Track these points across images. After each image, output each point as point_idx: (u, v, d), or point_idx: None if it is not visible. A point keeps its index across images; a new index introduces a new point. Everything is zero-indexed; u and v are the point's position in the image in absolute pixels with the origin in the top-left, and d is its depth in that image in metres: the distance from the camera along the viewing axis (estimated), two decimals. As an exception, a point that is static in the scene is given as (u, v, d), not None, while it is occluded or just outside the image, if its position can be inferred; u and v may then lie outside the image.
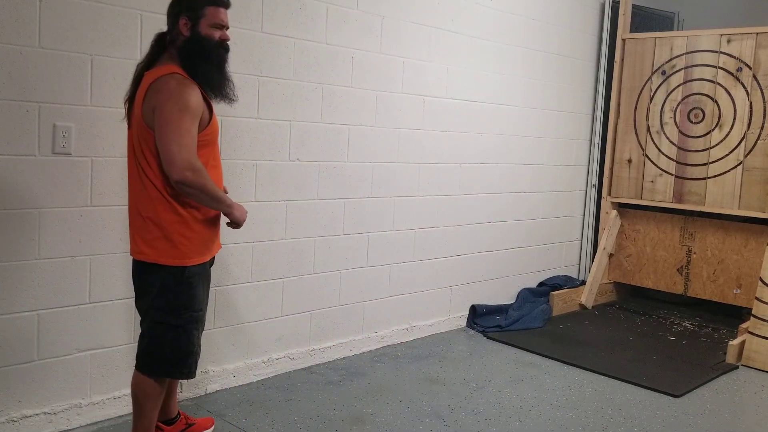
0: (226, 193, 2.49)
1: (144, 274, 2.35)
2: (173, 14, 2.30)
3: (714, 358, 4.09)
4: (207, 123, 2.31)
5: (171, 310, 2.32)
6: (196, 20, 2.27)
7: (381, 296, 3.95)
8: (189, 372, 2.40)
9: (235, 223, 2.41)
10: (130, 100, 2.32)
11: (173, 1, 2.33)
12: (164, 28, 2.87)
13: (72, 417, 2.78)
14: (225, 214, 2.39)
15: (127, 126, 2.39)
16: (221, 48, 2.34)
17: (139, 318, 2.48)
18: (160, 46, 2.32)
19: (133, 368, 2.44)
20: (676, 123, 4.89)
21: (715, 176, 4.70)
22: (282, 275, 3.44)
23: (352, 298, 3.79)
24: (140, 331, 2.43)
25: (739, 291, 4.70)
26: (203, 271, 2.40)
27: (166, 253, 2.28)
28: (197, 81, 2.28)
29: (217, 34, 2.32)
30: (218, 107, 3.10)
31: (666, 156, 4.94)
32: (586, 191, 5.43)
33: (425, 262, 4.18)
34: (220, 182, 2.44)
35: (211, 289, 3.14)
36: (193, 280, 2.34)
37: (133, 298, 2.87)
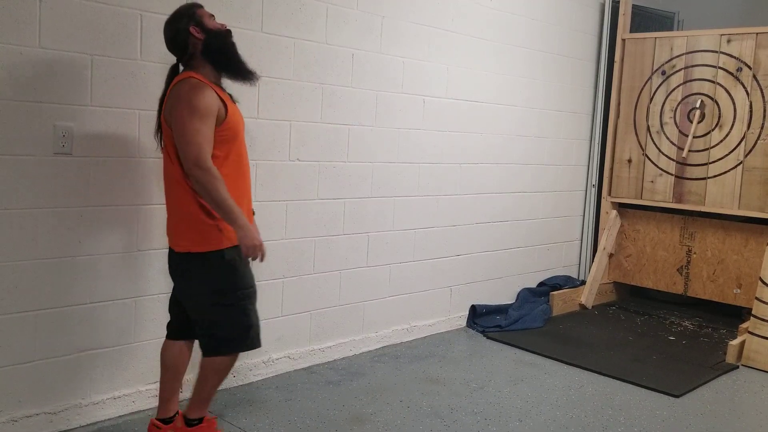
0: (253, 214, 2.58)
1: (187, 265, 2.46)
2: (183, 30, 2.43)
3: (714, 358, 4.09)
4: (223, 119, 2.40)
5: (221, 292, 2.43)
6: (199, 23, 2.44)
7: (381, 296, 3.95)
8: (252, 344, 2.51)
9: (244, 248, 2.36)
10: (160, 106, 2.49)
11: (176, 23, 2.46)
12: (161, 28, 2.88)
13: (72, 417, 2.78)
14: (232, 227, 2.38)
15: (159, 135, 2.53)
16: (229, 34, 2.50)
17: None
18: (175, 71, 2.50)
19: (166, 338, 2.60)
20: (676, 123, 4.89)
21: (715, 176, 4.70)
22: (282, 275, 3.44)
23: (352, 298, 3.79)
24: (193, 320, 2.52)
25: (739, 291, 4.70)
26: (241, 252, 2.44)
27: (201, 241, 2.40)
28: (228, 69, 2.47)
29: (217, 24, 2.49)
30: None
31: (666, 156, 4.94)
32: (586, 191, 5.43)
33: (425, 262, 4.18)
34: (245, 177, 2.53)
35: (211, 289, 3.15)
36: (233, 261, 2.43)
37: (136, 297, 2.87)
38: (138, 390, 2.97)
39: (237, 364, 3.28)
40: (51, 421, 2.72)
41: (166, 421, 2.63)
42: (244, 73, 2.51)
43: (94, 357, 2.83)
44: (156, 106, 2.88)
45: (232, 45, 2.49)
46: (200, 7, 2.51)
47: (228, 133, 2.43)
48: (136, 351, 2.95)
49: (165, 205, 2.53)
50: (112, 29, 2.73)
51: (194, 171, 2.28)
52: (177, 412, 2.67)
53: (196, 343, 2.61)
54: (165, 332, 3.00)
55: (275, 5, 3.25)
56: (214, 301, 2.44)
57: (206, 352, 2.49)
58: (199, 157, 2.28)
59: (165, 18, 2.85)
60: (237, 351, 2.51)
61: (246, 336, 2.48)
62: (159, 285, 2.99)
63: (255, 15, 3.18)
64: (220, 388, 3.21)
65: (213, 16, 2.51)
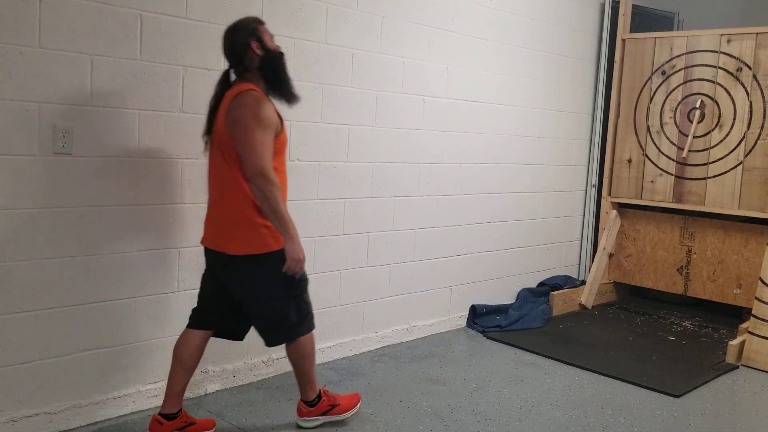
0: None
1: (248, 267, 2.59)
2: (242, 44, 2.57)
3: (714, 358, 4.09)
4: (278, 133, 2.58)
5: (283, 286, 2.62)
6: (260, 40, 2.59)
7: (381, 296, 3.95)
8: (312, 325, 2.78)
9: (288, 258, 2.54)
10: (212, 114, 2.61)
11: (237, 34, 2.58)
12: (162, 28, 2.87)
13: (72, 417, 2.78)
14: (283, 237, 2.55)
15: (208, 139, 2.66)
16: (283, 57, 2.66)
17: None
18: (228, 77, 2.63)
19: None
20: (676, 123, 4.89)
21: (715, 176, 4.70)
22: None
23: (352, 298, 3.79)
24: (250, 318, 2.72)
25: (739, 291, 4.70)
26: None
27: (261, 243, 2.56)
28: (279, 89, 2.64)
29: (274, 44, 2.65)
30: (218, 107, 3.11)
31: (666, 156, 4.94)
32: (586, 191, 5.43)
33: (425, 262, 4.18)
34: (284, 186, 2.65)
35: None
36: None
37: (135, 297, 2.87)
38: (138, 390, 2.97)
39: (237, 363, 3.30)
40: (51, 421, 2.72)
41: (169, 417, 2.67)
42: (289, 95, 2.67)
43: (93, 357, 2.83)
44: (154, 106, 2.89)
45: (285, 67, 2.65)
46: (262, 23, 2.63)
47: (280, 146, 2.61)
48: (136, 351, 2.95)
49: (209, 207, 2.66)
50: (112, 29, 2.73)
51: (258, 180, 2.43)
52: (180, 410, 2.71)
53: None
54: (164, 332, 3.02)
55: (275, 5, 3.25)
56: (280, 296, 2.63)
57: (270, 343, 2.74)
58: (264, 167, 2.44)
59: (165, 18, 2.86)
60: (304, 334, 2.74)
61: (307, 321, 2.75)
62: (157, 285, 2.99)
63: (255, 15, 3.17)
64: (220, 388, 3.23)
65: (273, 36, 2.65)
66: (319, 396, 2.89)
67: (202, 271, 2.79)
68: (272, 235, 2.56)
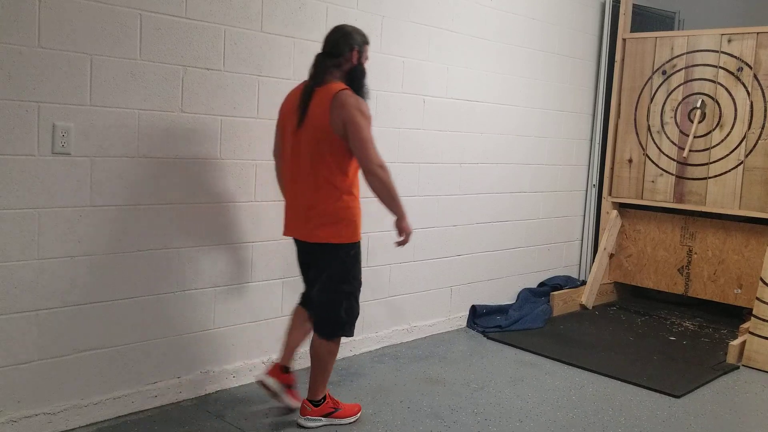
0: None
1: (322, 254, 2.81)
2: (348, 44, 2.80)
3: (714, 358, 4.09)
4: None
5: (345, 280, 2.83)
6: (361, 53, 2.83)
7: (381, 296, 3.95)
8: (353, 331, 2.91)
9: (405, 233, 2.85)
10: (302, 109, 2.75)
11: (348, 35, 2.81)
12: (162, 28, 2.87)
13: (72, 417, 2.78)
14: (398, 218, 2.83)
15: (288, 132, 2.83)
16: (366, 74, 2.88)
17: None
18: (322, 65, 2.80)
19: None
20: (676, 123, 4.88)
21: (715, 176, 4.70)
22: (282, 275, 3.44)
23: (352, 298, 3.78)
24: (317, 301, 2.89)
25: (739, 291, 4.70)
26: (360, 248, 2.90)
27: (339, 234, 2.77)
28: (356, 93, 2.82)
29: (366, 63, 2.88)
30: (216, 106, 3.11)
31: (666, 156, 4.93)
32: (587, 191, 5.43)
33: (425, 262, 4.18)
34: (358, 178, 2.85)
35: (209, 290, 3.16)
36: (358, 254, 2.87)
37: (135, 297, 2.88)
38: (138, 390, 2.97)
39: (237, 364, 3.29)
40: (50, 421, 2.72)
41: (286, 369, 3.03)
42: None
43: (93, 357, 2.83)
44: (154, 106, 2.89)
45: (365, 80, 2.87)
46: (368, 44, 2.89)
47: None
48: (136, 351, 2.95)
49: (294, 199, 2.84)
50: (112, 29, 2.73)
51: (378, 171, 2.69)
52: (291, 372, 3.06)
53: None
54: (170, 331, 3.05)
55: (275, 5, 3.25)
56: (339, 287, 2.82)
57: (321, 334, 2.86)
58: (381, 160, 2.71)
59: (165, 18, 2.87)
60: (345, 335, 2.89)
61: (352, 324, 2.89)
62: (159, 285, 2.99)
63: (255, 15, 3.18)
64: (220, 388, 3.22)
65: (368, 58, 2.90)
66: (324, 398, 2.95)
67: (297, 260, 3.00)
68: (350, 230, 2.79)
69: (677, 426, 3.14)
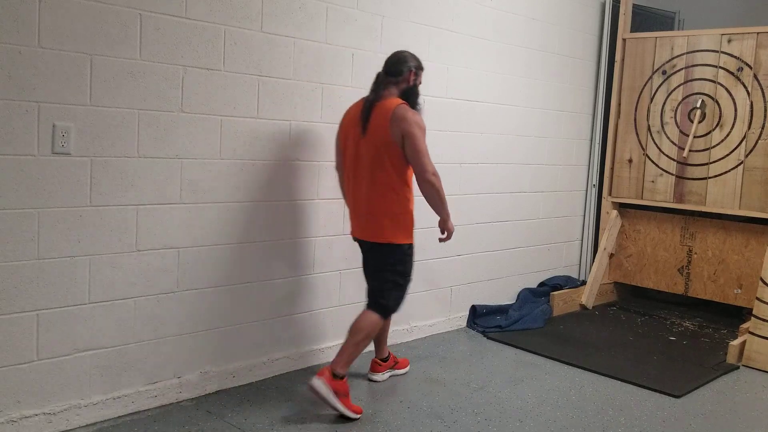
0: None
1: (383, 251, 3.13)
2: (407, 65, 3.16)
3: (714, 358, 4.09)
4: None
5: (401, 274, 3.18)
6: (417, 74, 3.21)
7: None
8: (394, 308, 3.25)
9: (447, 232, 3.21)
10: (364, 121, 3.07)
11: (407, 59, 3.18)
12: (162, 28, 2.88)
13: (71, 417, 2.78)
14: (443, 219, 3.18)
15: (349, 142, 3.14)
16: (419, 93, 3.24)
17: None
18: (382, 83, 3.15)
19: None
20: (676, 123, 4.88)
21: (715, 176, 4.70)
22: (282, 275, 3.44)
23: (352, 298, 3.78)
24: (371, 287, 3.23)
25: (739, 291, 4.70)
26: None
27: (398, 234, 3.11)
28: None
29: (419, 83, 3.24)
30: (216, 106, 3.11)
31: (666, 156, 4.93)
32: (587, 191, 5.43)
33: (426, 262, 4.17)
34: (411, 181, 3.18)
35: (207, 290, 3.16)
36: (412, 253, 3.22)
37: (134, 298, 2.89)
38: (138, 390, 2.97)
39: (237, 364, 3.30)
40: (50, 421, 2.72)
41: (384, 360, 3.50)
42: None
43: (93, 357, 2.83)
44: (154, 106, 2.89)
45: (418, 97, 3.22)
46: (423, 69, 3.26)
47: None
48: (136, 351, 2.95)
49: (356, 203, 3.16)
50: (112, 29, 2.73)
51: (432, 178, 3.02)
52: (388, 354, 3.52)
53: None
54: (170, 331, 3.06)
55: (275, 5, 3.25)
56: (393, 279, 3.15)
57: (374, 309, 3.17)
58: (434, 168, 3.04)
59: (165, 18, 2.88)
60: (387, 316, 3.25)
61: (398, 308, 3.26)
62: (160, 285, 2.99)
63: (255, 15, 3.18)
64: (220, 388, 3.23)
65: (422, 81, 3.26)
66: (344, 377, 3.14)
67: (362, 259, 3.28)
68: (406, 231, 3.14)
69: (677, 426, 3.14)
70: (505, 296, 4.79)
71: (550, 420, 3.13)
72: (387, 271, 3.15)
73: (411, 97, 3.17)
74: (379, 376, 3.48)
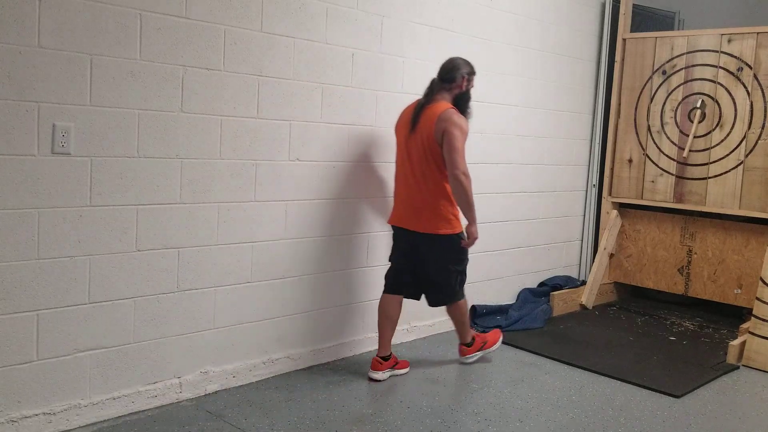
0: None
1: (435, 243, 3.42)
2: (459, 72, 3.44)
3: (714, 358, 4.09)
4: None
5: (457, 261, 3.50)
6: (469, 80, 3.48)
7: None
8: (463, 295, 3.63)
9: (472, 237, 3.41)
10: (414, 122, 3.37)
11: (460, 66, 3.45)
12: (162, 28, 2.88)
13: (71, 417, 2.78)
14: (469, 223, 3.39)
15: (401, 141, 3.45)
16: (470, 97, 3.53)
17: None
18: (435, 87, 3.43)
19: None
20: (676, 123, 4.88)
21: (715, 176, 4.70)
22: (282, 275, 3.44)
23: (352, 298, 3.78)
24: (425, 284, 3.57)
25: (739, 291, 4.70)
26: None
27: (448, 226, 3.41)
28: (461, 111, 3.41)
29: (472, 91, 3.53)
30: (216, 106, 3.11)
31: (666, 156, 4.93)
32: (587, 191, 5.43)
33: (425, 262, 4.17)
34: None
35: (210, 290, 3.16)
36: (462, 240, 3.48)
37: (134, 298, 2.88)
38: (138, 390, 2.97)
39: (237, 364, 3.30)
40: (50, 421, 2.72)
41: (385, 358, 3.53)
42: (465, 115, 3.46)
43: (93, 357, 2.83)
44: (154, 106, 2.89)
45: (470, 101, 3.50)
46: (475, 74, 3.53)
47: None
48: (136, 351, 2.95)
49: (406, 196, 3.43)
50: (112, 29, 2.73)
51: (462, 178, 3.24)
52: (390, 353, 3.56)
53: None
54: (170, 331, 3.05)
55: (275, 5, 3.25)
56: (452, 268, 3.49)
57: (447, 302, 3.59)
58: (466, 169, 3.28)
59: (165, 18, 2.88)
60: (460, 300, 3.60)
61: (462, 289, 3.60)
62: (161, 285, 2.99)
63: (255, 15, 3.18)
64: (220, 388, 3.23)
65: (474, 86, 3.55)
66: (473, 338, 3.75)
67: (391, 249, 3.62)
68: (456, 222, 3.43)
69: (677, 426, 3.14)
70: (505, 296, 4.79)
71: (550, 420, 3.13)
72: (449, 263, 3.47)
73: (462, 102, 3.44)
74: (379, 375, 3.49)
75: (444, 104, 3.34)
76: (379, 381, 3.47)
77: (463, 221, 3.45)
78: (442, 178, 3.34)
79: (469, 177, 3.27)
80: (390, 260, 3.62)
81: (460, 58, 3.49)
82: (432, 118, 3.30)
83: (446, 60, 3.49)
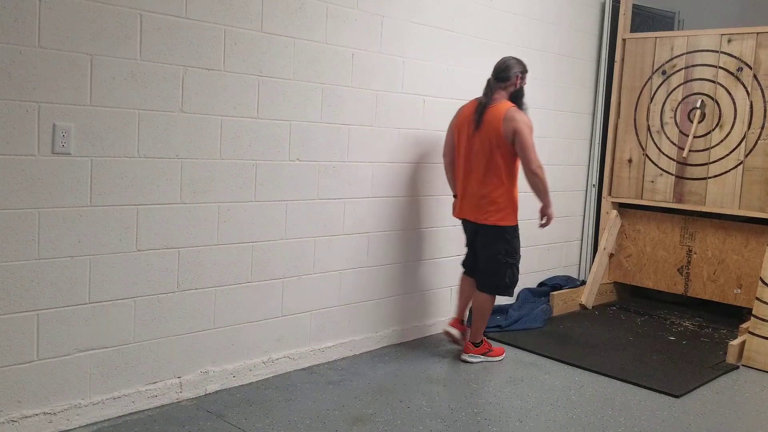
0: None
1: (493, 233, 3.66)
2: (513, 71, 3.65)
3: (714, 358, 4.09)
4: None
5: (510, 253, 3.69)
6: (523, 77, 3.71)
7: (382, 296, 3.95)
8: (512, 293, 3.82)
9: (548, 218, 3.74)
10: (477, 121, 3.60)
11: (513, 65, 3.67)
12: (162, 28, 2.88)
13: (72, 417, 2.78)
14: (545, 206, 3.70)
15: (462, 138, 3.69)
16: (524, 93, 3.77)
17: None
18: (492, 87, 3.64)
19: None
20: (676, 123, 4.89)
21: (715, 176, 4.70)
22: (282, 275, 3.44)
23: (352, 298, 3.79)
24: (482, 270, 3.76)
25: (739, 291, 4.70)
26: None
27: (505, 218, 3.64)
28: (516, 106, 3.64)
29: (525, 87, 3.77)
30: (216, 106, 3.12)
31: (666, 156, 4.94)
32: (587, 191, 5.43)
33: (426, 262, 4.18)
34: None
35: (212, 289, 3.16)
36: (518, 233, 3.74)
37: (133, 298, 2.89)
38: (138, 390, 2.97)
39: (237, 364, 3.30)
40: (51, 421, 2.72)
41: (462, 321, 3.92)
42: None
43: (93, 357, 2.83)
44: (154, 106, 2.90)
45: (524, 97, 3.74)
46: (528, 71, 3.76)
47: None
48: (136, 351, 2.95)
49: (467, 189, 3.68)
50: (112, 29, 2.73)
51: (538, 171, 3.54)
52: (464, 319, 3.94)
53: None
54: (170, 331, 3.06)
55: (275, 5, 3.25)
56: (504, 259, 3.67)
57: (487, 291, 3.75)
58: (540, 162, 3.55)
59: (165, 18, 2.88)
60: (503, 294, 3.79)
61: (513, 286, 3.78)
62: (161, 285, 2.99)
63: (255, 15, 3.18)
64: (220, 388, 3.23)
65: (527, 82, 3.77)
66: (482, 341, 3.84)
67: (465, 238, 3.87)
68: (513, 215, 3.66)
69: (677, 426, 3.14)
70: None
71: (550, 420, 3.13)
72: (499, 254, 3.65)
73: (518, 98, 3.67)
74: (452, 330, 3.92)
75: (505, 103, 3.58)
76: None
77: (521, 211, 3.69)
78: (504, 172, 3.58)
79: (543, 168, 3.57)
80: (465, 246, 3.95)
81: (513, 58, 3.71)
82: (498, 117, 3.54)
83: (499, 60, 3.70)
